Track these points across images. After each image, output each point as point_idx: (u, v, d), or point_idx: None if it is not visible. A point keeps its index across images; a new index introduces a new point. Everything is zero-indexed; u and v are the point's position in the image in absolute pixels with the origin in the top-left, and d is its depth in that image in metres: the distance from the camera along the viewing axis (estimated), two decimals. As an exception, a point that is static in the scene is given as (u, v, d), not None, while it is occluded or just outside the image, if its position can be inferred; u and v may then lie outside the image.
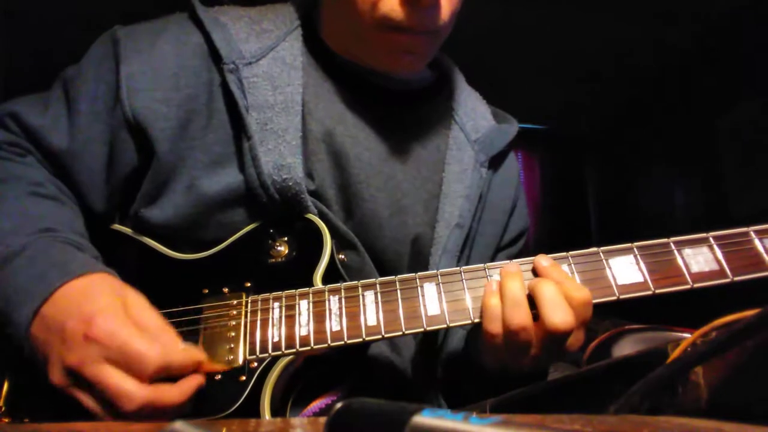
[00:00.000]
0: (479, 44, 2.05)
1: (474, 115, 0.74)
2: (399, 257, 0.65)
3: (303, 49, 0.65)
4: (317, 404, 0.55)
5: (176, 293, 0.55)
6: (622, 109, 2.73)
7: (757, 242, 0.53)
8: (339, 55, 0.67)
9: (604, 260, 0.53)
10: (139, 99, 0.59)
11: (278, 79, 0.61)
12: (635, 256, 0.54)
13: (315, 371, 0.54)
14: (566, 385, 0.36)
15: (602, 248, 0.54)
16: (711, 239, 0.54)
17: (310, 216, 0.57)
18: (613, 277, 0.51)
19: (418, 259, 0.66)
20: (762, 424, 0.20)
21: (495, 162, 0.73)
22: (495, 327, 0.49)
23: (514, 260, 0.54)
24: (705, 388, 0.25)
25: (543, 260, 0.52)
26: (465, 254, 0.68)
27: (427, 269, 0.63)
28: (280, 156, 0.58)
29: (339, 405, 0.21)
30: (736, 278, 0.50)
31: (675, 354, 0.28)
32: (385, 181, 0.64)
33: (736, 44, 2.00)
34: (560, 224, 3.12)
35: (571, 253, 0.54)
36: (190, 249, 0.59)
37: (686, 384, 0.25)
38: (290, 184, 0.57)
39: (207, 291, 0.55)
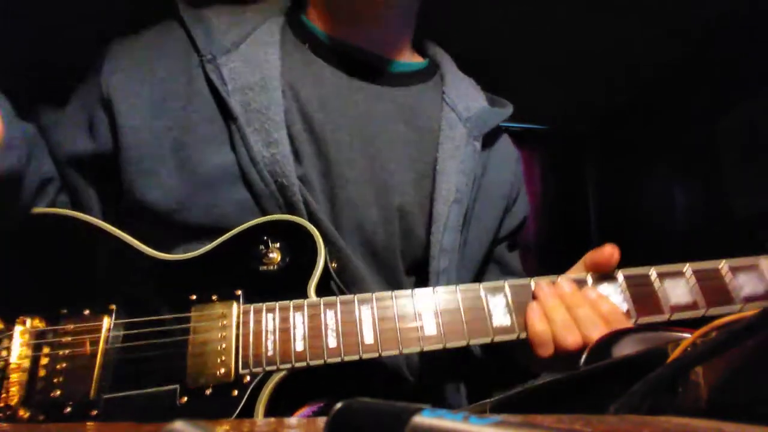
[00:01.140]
0: (479, 44, 2.05)
1: (466, 97, 0.74)
2: (390, 236, 0.65)
3: (286, 30, 0.67)
4: (303, 412, 0.55)
5: (162, 298, 0.53)
6: (622, 109, 2.73)
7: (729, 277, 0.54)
8: (327, 35, 0.69)
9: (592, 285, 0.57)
10: (114, 78, 0.62)
11: (255, 58, 0.62)
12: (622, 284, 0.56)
13: (302, 380, 0.53)
14: (566, 385, 0.36)
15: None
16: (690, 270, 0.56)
17: (303, 222, 0.56)
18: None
19: (410, 238, 0.66)
20: (762, 424, 0.20)
21: (489, 142, 0.74)
22: (547, 350, 0.50)
23: (540, 280, 0.56)
24: (705, 388, 0.25)
25: (566, 285, 0.55)
26: (463, 235, 0.68)
27: (427, 249, 0.65)
28: (266, 134, 0.58)
29: (339, 405, 0.21)
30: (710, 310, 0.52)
31: (675, 354, 0.28)
32: (370, 162, 0.64)
33: (736, 45, 2.00)
34: (560, 224, 3.12)
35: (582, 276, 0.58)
36: (173, 242, 0.58)
37: (686, 384, 0.25)
38: (278, 158, 0.58)
39: (195, 297, 0.52)
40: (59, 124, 0.64)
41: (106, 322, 0.51)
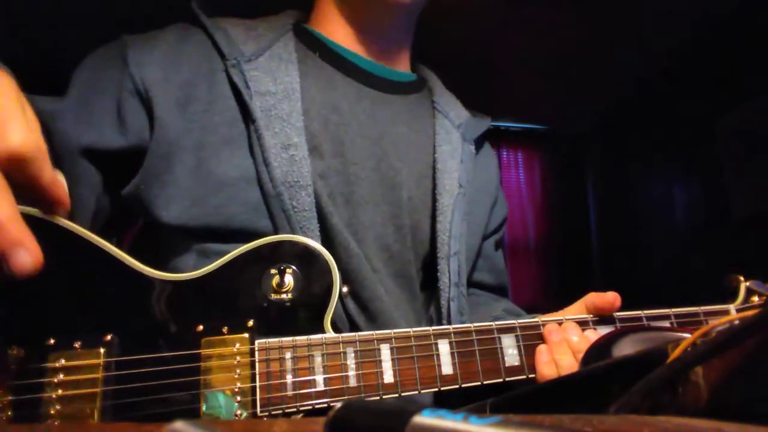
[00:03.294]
0: (480, 44, 2.05)
1: (454, 107, 0.83)
2: (399, 230, 0.69)
3: (297, 45, 0.71)
4: None
5: (165, 327, 0.47)
6: (623, 109, 2.73)
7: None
8: (336, 43, 0.73)
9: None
10: (147, 71, 0.62)
11: (276, 71, 0.66)
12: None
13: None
14: (566, 385, 0.36)
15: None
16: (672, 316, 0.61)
17: (316, 247, 0.54)
18: None
19: (418, 230, 0.71)
20: (762, 424, 0.20)
21: (476, 146, 0.82)
22: None
23: (549, 322, 0.57)
24: (705, 388, 0.25)
25: (572, 330, 0.58)
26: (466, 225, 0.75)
27: (433, 239, 0.69)
28: (286, 137, 0.60)
29: (339, 405, 0.21)
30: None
31: (675, 354, 0.28)
32: (377, 162, 0.69)
33: (736, 44, 2.00)
34: (560, 224, 3.12)
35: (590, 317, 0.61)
36: (178, 250, 0.58)
37: (686, 384, 0.25)
38: (296, 159, 0.59)
39: (202, 328, 0.48)
40: (66, 113, 0.61)
41: (103, 358, 0.45)
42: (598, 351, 0.48)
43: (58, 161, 0.60)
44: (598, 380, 0.32)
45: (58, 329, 0.45)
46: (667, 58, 2.29)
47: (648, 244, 2.66)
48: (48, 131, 0.58)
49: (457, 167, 0.75)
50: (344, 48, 0.74)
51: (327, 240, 0.61)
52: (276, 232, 0.58)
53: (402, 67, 0.81)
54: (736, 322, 0.26)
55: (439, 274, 0.69)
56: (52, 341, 0.45)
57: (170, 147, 0.60)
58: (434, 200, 0.72)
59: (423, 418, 0.18)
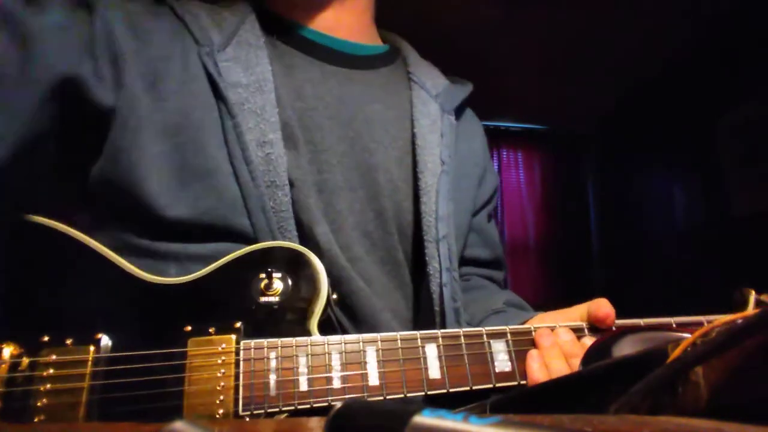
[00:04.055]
0: (480, 44, 2.05)
1: (431, 76, 0.78)
2: (380, 215, 0.66)
3: (261, 29, 0.67)
4: None
5: (154, 328, 0.49)
6: (623, 109, 2.73)
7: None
8: (293, 21, 0.70)
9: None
10: (116, 29, 0.56)
11: (246, 60, 0.62)
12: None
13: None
14: (566, 385, 0.36)
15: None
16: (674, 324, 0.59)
17: (306, 253, 0.54)
18: None
19: (401, 214, 0.68)
20: (762, 424, 0.20)
21: (457, 115, 0.77)
22: None
23: (541, 327, 0.56)
24: (705, 388, 0.25)
25: (564, 335, 0.56)
26: (453, 203, 0.71)
27: (418, 222, 0.67)
28: (261, 134, 0.58)
29: (338, 405, 0.21)
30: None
31: (675, 354, 0.28)
32: (350, 145, 0.66)
33: (736, 44, 2.00)
34: (560, 224, 3.12)
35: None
36: (149, 239, 0.55)
37: (686, 384, 0.25)
38: (273, 158, 0.57)
39: (190, 328, 0.49)
40: (44, 33, 0.51)
41: (92, 354, 0.46)
42: (598, 351, 0.47)
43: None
44: (598, 380, 0.32)
45: (52, 327, 0.47)
46: (667, 58, 2.29)
47: (648, 244, 2.67)
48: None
49: (437, 142, 0.71)
50: (303, 26, 0.70)
51: (303, 237, 0.59)
52: (254, 231, 0.56)
53: (367, 39, 0.75)
54: (737, 322, 0.26)
55: (427, 258, 0.65)
56: (45, 338, 0.47)
57: (140, 121, 0.55)
58: (416, 179, 0.68)
59: (423, 418, 0.18)
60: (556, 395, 0.35)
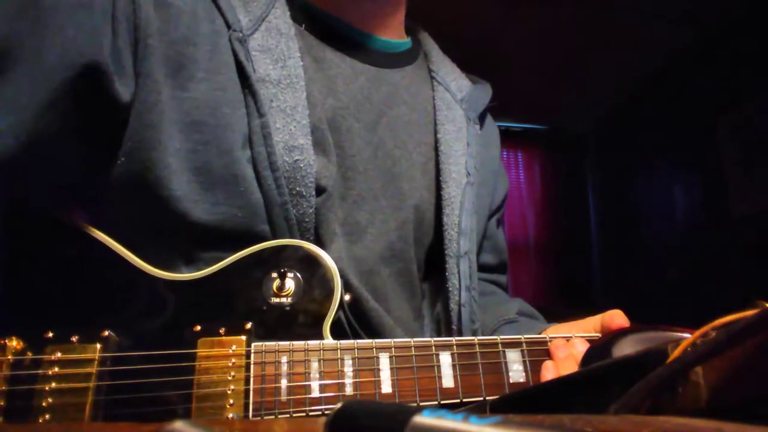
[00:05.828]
0: (480, 44, 2.05)
1: (454, 75, 0.74)
2: (402, 225, 0.62)
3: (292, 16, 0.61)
4: None
5: (162, 326, 0.47)
6: (622, 109, 2.73)
7: None
8: (321, 11, 0.64)
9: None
10: (143, 11, 0.50)
11: (276, 51, 0.56)
12: None
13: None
14: (566, 385, 0.36)
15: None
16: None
17: (319, 253, 0.52)
18: None
19: (422, 225, 0.65)
20: (762, 424, 0.20)
21: (480, 121, 0.74)
22: None
23: (556, 338, 0.55)
24: (705, 388, 0.25)
25: (580, 346, 0.54)
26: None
27: (439, 233, 0.64)
28: (290, 136, 0.53)
29: (338, 405, 0.21)
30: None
31: (675, 354, 0.28)
32: (374, 152, 0.62)
33: (736, 44, 2.00)
34: (560, 224, 3.12)
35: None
36: (165, 243, 0.52)
37: (686, 384, 0.25)
38: (301, 165, 0.53)
39: (200, 328, 0.47)
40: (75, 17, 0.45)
41: (99, 353, 0.45)
42: (598, 351, 0.47)
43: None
44: (598, 380, 0.32)
45: (56, 322, 0.45)
46: (667, 59, 2.29)
47: (648, 244, 2.66)
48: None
49: (463, 151, 0.66)
50: (334, 17, 0.63)
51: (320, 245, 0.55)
52: (274, 239, 0.53)
53: (397, 35, 0.70)
54: (737, 322, 0.26)
55: (447, 274, 0.63)
56: (50, 334, 0.45)
57: (161, 116, 0.50)
58: (438, 188, 0.64)
59: (423, 418, 0.18)
60: (556, 395, 0.35)
